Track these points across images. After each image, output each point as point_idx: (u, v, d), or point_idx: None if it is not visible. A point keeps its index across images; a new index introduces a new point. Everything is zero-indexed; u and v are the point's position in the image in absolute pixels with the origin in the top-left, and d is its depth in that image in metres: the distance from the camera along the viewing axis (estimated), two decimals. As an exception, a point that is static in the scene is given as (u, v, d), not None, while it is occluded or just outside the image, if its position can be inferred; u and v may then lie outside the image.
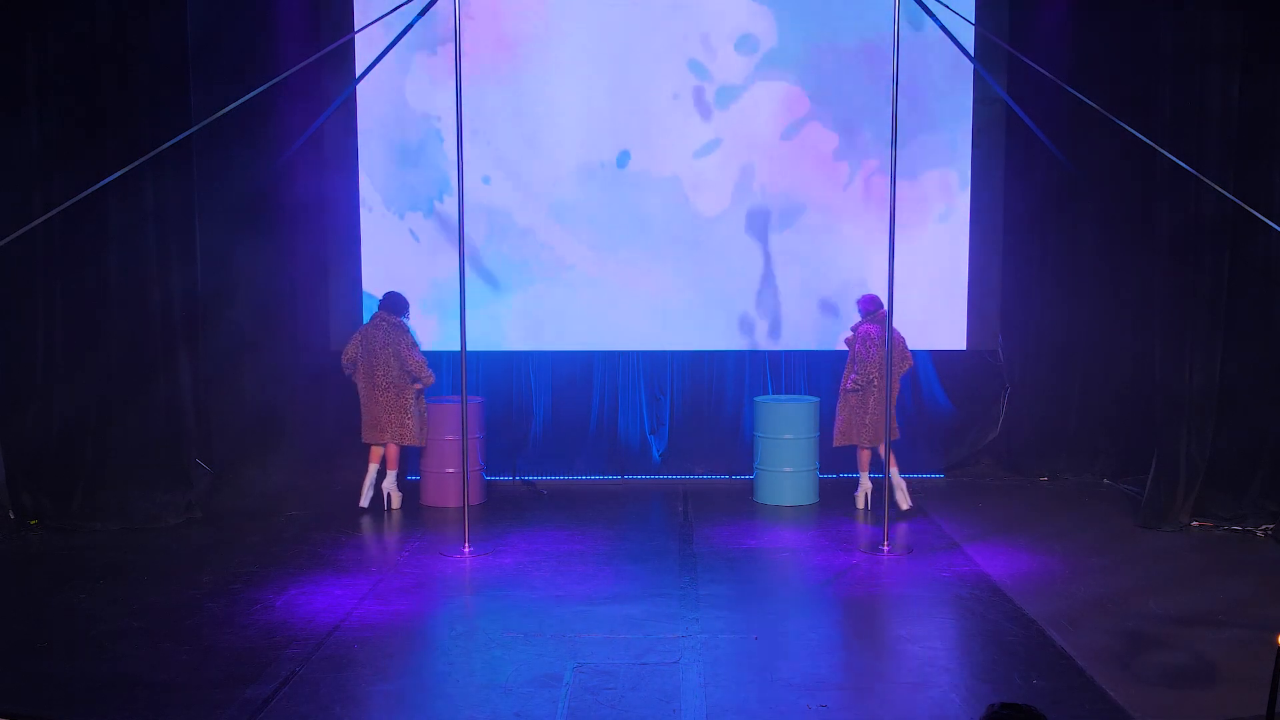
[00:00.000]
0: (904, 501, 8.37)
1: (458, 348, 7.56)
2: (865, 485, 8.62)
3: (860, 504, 8.61)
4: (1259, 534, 7.74)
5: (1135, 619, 6.15)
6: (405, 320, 8.54)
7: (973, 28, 8.64)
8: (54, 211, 6.47)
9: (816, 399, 9.01)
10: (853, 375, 8.38)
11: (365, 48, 8.83)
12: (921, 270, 9.27)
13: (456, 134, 7.26)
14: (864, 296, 8.62)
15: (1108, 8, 8.93)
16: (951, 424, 9.75)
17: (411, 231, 9.41)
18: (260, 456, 9.28)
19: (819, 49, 9.31)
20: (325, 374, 9.46)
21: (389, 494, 8.61)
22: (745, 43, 9.34)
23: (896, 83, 7.24)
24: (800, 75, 9.32)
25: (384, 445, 8.56)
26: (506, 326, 9.45)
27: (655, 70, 9.30)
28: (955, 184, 9.38)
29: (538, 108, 9.30)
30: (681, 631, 5.95)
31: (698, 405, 9.80)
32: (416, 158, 9.38)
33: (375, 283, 9.34)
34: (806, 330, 9.48)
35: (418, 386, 8.49)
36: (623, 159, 9.35)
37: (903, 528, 7.91)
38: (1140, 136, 6.74)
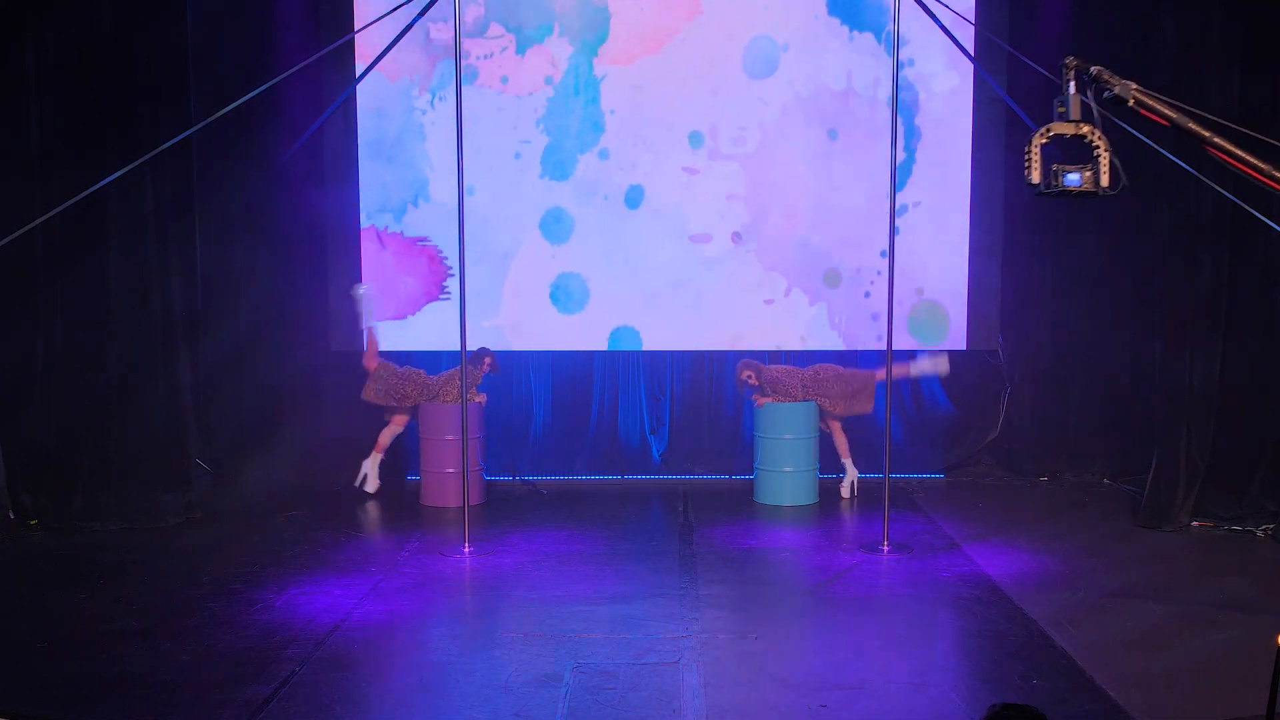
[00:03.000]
0: (845, 490, 8.93)
1: (458, 347, 7.56)
2: (852, 473, 8.94)
3: (845, 493, 8.93)
4: (1259, 534, 7.73)
5: (1135, 619, 6.14)
6: (476, 369, 8.79)
7: (973, 28, 8.64)
8: (54, 211, 6.47)
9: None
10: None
11: (365, 48, 8.83)
12: (921, 270, 9.27)
13: (457, 133, 7.25)
14: (752, 365, 8.97)
15: (1108, 7, 8.92)
16: (951, 424, 9.74)
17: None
18: (260, 456, 9.26)
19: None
20: (325, 374, 9.45)
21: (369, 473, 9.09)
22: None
23: (896, 80, 7.24)
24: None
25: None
26: (507, 326, 9.45)
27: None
28: (955, 184, 9.37)
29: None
30: (681, 631, 5.95)
31: (698, 405, 9.79)
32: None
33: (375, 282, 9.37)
34: (806, 330, 9.47)
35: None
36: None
37: (902, 527, 7.90)
38: (1140, 136, 6.72)
